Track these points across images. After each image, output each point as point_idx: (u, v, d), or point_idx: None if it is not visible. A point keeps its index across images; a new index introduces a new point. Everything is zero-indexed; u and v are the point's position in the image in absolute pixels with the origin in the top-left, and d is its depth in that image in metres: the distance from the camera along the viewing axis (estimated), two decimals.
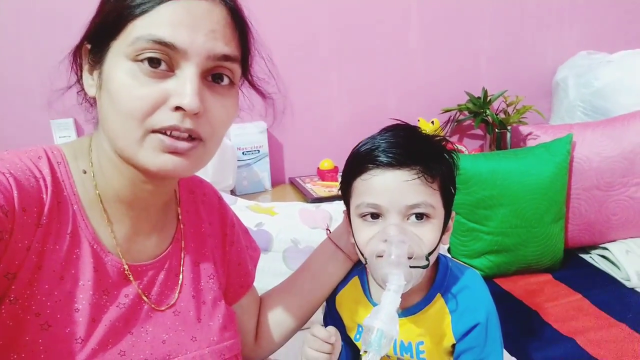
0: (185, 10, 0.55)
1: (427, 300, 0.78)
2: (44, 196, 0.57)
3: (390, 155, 0.71)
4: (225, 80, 0.60)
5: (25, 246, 0.54)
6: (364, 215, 0.73)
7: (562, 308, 1.32)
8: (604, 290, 1.39)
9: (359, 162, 0.74)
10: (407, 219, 0.71)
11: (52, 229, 0.57)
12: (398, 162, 0.71)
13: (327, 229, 0.90)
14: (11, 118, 1.45)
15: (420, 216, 0.71)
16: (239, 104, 0.66)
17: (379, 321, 0.63)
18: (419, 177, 0.70)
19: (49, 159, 0.60)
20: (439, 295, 0.78)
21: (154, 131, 0.56)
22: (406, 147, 0.72)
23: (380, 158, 0.71)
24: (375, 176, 0.72)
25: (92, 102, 0.65)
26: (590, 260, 1.60)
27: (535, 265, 1.50)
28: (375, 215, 0.73)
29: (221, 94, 0.60)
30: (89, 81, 0.61)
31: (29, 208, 0.55)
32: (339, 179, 1.66)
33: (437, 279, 0.79)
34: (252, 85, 0.70)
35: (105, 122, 0.59)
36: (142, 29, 0.55)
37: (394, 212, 0.70)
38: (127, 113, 0.55)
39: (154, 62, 0.55)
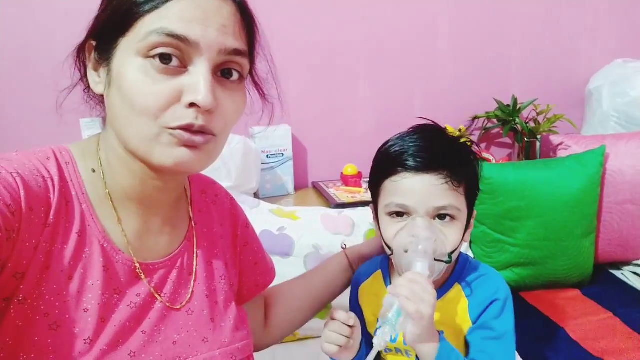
0: (196, 6, 0.55)
1: (445, 288, 0.80)
2: (52, 196, 0.57)
3: (419, 159, 0.74)
4: (235, 75, 0.60)
5: (32, 245, 0.54)
6: (392, 214, 0.77)
7: (591, 326, 1.27)
8: (636, 309, 1.33)
9: (389, 163, 0.77)
10: (434, 218, 0.75)
11: (59, 228, 0.57)
12: (426, 166, 0.74)
13: (343, 245, 0.96)
14: (43, 117, 1.48)
15: (445, 217, 0.75)
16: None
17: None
18: (446, 182, 0.74)
19: (57, 159, 0.61)
20: (456, 284, 0.80)
21: (169, 128, 0.56)
22: (434, 151, 0.75)
23: (409, 162, 0.75)
24: (404, 179, 0.75)
25: (99, 100, 0.64)
26: (621, 276, 1.55)
27: (564, 280, 1.45)
28: (402, 214, 0.76)
29: (231, 89, 0.60)
30: (95, 78, 0.61)
31: (36, 207, 0.55)
32: (363, 185, 1.66)
33: (456, 270, 0.82)
34: (254, 82, 0.69)
35: (116, 119, 0.58)
36: (153, 24, 0.55)
37: (422, 213, 0.74)
38: (140, 110, 0.55)
39: (165, 58, 0.55)
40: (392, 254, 0.77)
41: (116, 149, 0.61)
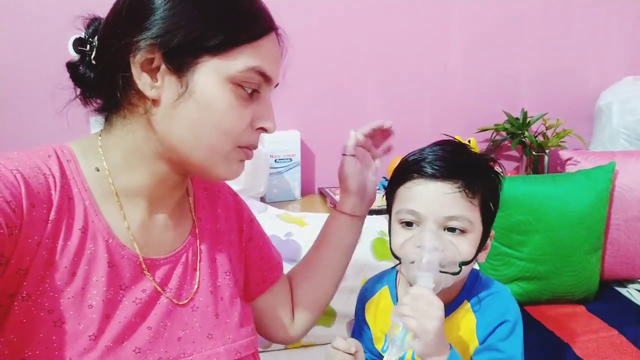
0: (273, 45, 0.63)
1: (454, 306, 0.78)
2: (53, 192, 0.58)
3: (436, 167, 0.73)
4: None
5: (35, 242, 0.55)
6: (403, 222, 0.76)
7: (597, 343, 1.26)
8: None
9: (406, 170, 0.77)
10: (444, 229, 0.73)
11: (62, 225, 0.58)
12: (441, 174, 0.73)
13: (332, 205, 0.92)
14: (53, 114, 1.49)
15: (455, 230, 0.73)
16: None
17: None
18: (459, 191, 0.72)
19: (58, 157, 0.61)
20: (465, 301, 0.79)
21: (239, 146, 0.63)
22: (451, 160, 0.74)
23: (426, 169, 0.74)
24: (418, 185, 0.74)
25: (120, 100, 0.61)
26: (626, 294, 1.54)
27: (569, 295, 1.45)
28: (413, 223, 0.75)
29: None
30: (146, 79, 0.58)
31: (38, 204, 0.55)
32: None
33: (466, 287, 0.80)
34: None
35: (183, 130, 0.60)
36: (252, 60, 0.60)
37: (431, 221, 0.72)
38: (228, 131, 0.61)
39: (249, 88, 0.62)
40: (400, 263, 0.76)
41: (142, 150, 0.62)
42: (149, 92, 0.59)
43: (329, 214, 0.92)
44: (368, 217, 1.41)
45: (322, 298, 0.89)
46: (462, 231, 0.73)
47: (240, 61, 0.59)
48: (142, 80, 0.59)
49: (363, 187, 0.88)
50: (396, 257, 0.76)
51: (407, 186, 0.76)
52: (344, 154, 0.88)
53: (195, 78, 0.58)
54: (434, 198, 0.72)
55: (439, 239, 0.71)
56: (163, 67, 0.58)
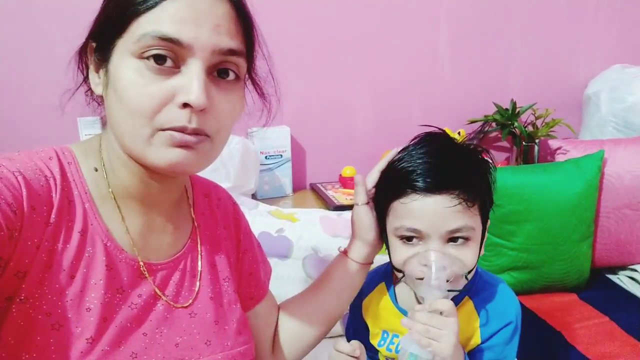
0: (189, 6, 0.55)
1: (455, 302, 0.77)
2: (54, 195, 0.57)
3: (429, 180, 0.71)
4: (231, 75, 0.60)
5: (34, 244, 0.54)
6: (403, 237, 0.74)
7: (589, 331, 1.27)
8: (633, 314, 1.34)
9: (397, 183, 0.73)
10: (447, 241, 0.71)
11: (61, 227, 0.57)
12: (437, 187, 0.70)
13: (342, 250, 0.86)
14: (40, 115, 1.47)
15: (458, 239, 0.71)
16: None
17: (415, 346, 0.65)
18: (459, 203, 0.70)
19: (59, 159, 0.61)
20: (467, 297, 0.78)
21: (162, 130, 0.56)
22: (444, 170, 0.71)
23: (419, 183, 0.71)
24: (414, 201, 0.71)
25: (100, 101, 0.65)
26: (617, 281, 1.55)
27: (560, 284, 1.46)
28: (414, 237, 0.73)
29: (227, 89, 0.60)
30: (95, 79, 0.61)
31: (39, 207, 0.55)
32: None
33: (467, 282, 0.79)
34: (254, 83, 0.69)
35: (113, 120, 0.58)
36: (146, 26, 0.54)
37: (435, 237, 0.71)
38: (135, 111, 0.55)
39: (159, 59, 0.55)
40: (404, 276, 0.74)
41: (115, 149, 0.62)
42: (96, 90, 0.61)
43: (336, 257, 0.86)
44: None
45: (307, 340, 0.85)
46: (466, 239, 0.71)
47: (136, 32, 0.55)
48: (93, 81, 0.62)
49: (379, 235, 0.82)
50: (397, 270, 0.75)
51: (402, 202, 0.72)
52: (356, 204, 0.80)
53: (112, 63, 0.57)
54: (435, 213, 0.70)
55: (445, 257, 0.69)
56: (98, 62, 0.60)
